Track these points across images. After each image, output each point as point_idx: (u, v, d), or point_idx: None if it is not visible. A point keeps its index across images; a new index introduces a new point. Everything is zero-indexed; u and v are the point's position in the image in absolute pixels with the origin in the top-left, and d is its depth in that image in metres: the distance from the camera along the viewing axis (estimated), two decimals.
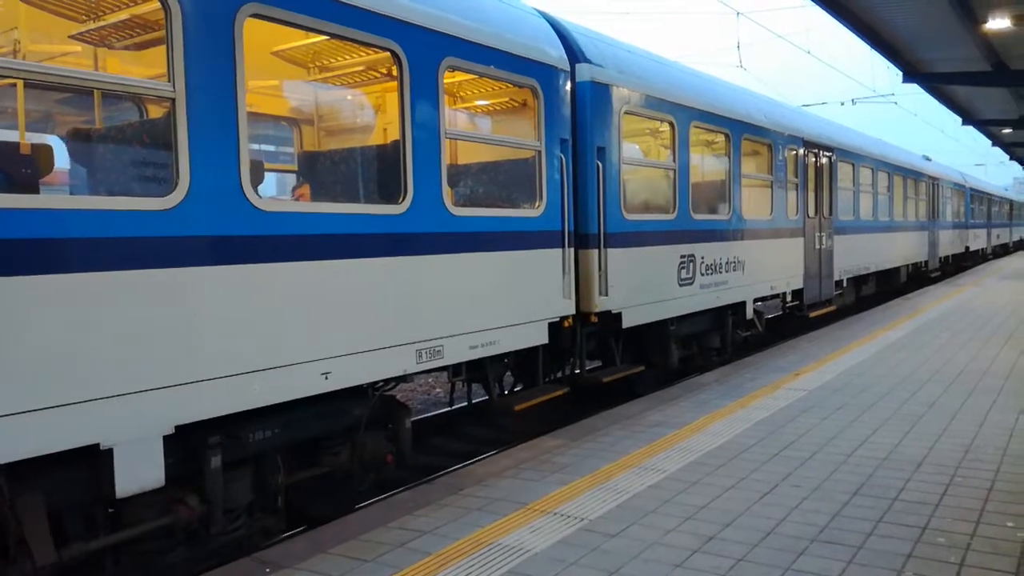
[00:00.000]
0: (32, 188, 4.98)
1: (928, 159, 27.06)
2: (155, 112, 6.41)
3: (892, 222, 19.60)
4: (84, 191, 4.82)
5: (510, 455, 6.21)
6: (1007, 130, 34.55)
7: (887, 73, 26.39)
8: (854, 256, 16.31)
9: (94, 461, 3.98)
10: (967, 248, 32.25)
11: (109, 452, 3.96)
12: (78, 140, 5.24)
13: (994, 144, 44.59)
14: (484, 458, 7.34)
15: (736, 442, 6.40)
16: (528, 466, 5.86)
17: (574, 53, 7.84)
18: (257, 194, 4.69)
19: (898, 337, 12.12)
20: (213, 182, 4.42)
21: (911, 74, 22.14)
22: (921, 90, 25.47)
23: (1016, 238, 54.18)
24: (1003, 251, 46.24)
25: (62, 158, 4.93)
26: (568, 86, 7.59)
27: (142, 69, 5.59)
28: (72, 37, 5.24)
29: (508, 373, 7.90)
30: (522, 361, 7.53)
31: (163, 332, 4.18)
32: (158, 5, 4.25)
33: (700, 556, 4.16)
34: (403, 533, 4.60)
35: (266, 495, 5.14)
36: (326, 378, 5.12)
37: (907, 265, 21.47)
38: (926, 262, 23.80)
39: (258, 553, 4.44)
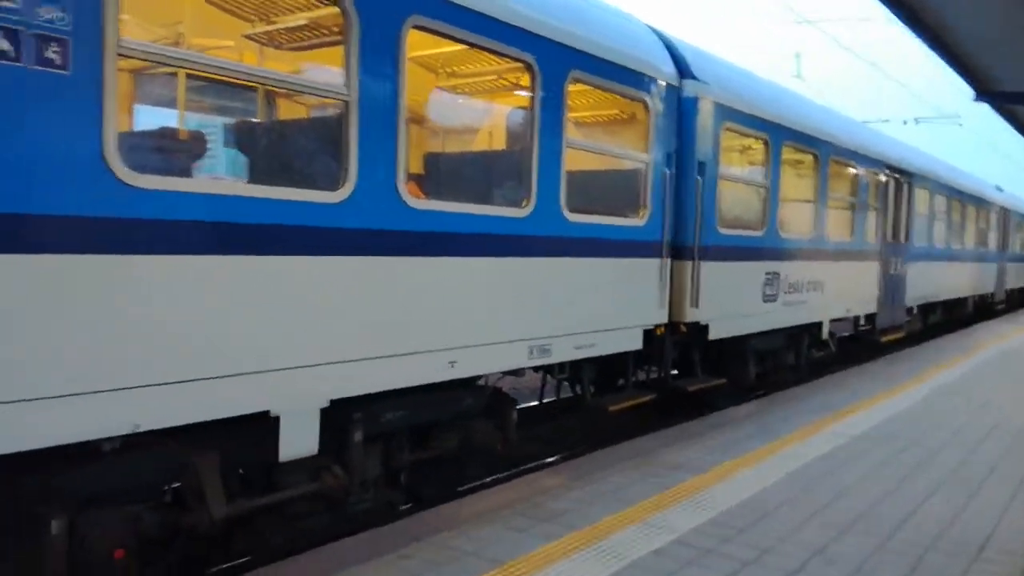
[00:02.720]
0: (187, 172, 5.41)
1: (1000, 189, 26.65)
2: (288, 110, 6.83)
3: (963, 251, 19.43)
4: (262, 181, 5.20)
5: (501, 492, 5.52)
6: None
7: (953, 93, 25.43)
8: (926, 284, 16.24)
9: (261, 428, 4.36)
10: None
11: (276, 420, 4.35)
12: (254, 132, 5.67)
13: None
14: (476, 487, 6.77)
15: (763, 498, 5.50)
16: (518, 510, 5.04)
17: (681, 69, 8.09)
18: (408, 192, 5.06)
19: (953, 379, 11.13)
20: (376, 179, 4.79)
21: (983, 92, 20.59)
22: (987, 114, 24.28)
23: None
24: None
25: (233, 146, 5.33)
26: (675, 101, 7.85)
27: (294, 68, 6.01)
28: (245, 36, 5.67)
29: None
30: (602, 364, 7.76)
31: (327, 314, 4.57)
32: (338, 11, 4.63)
33: None
34: None
35: (390, 471, 5.51)
36: (452, 366, 5.47)
37: (975, 295, 21.23)
38: (993, 293, 23.48)
39: None
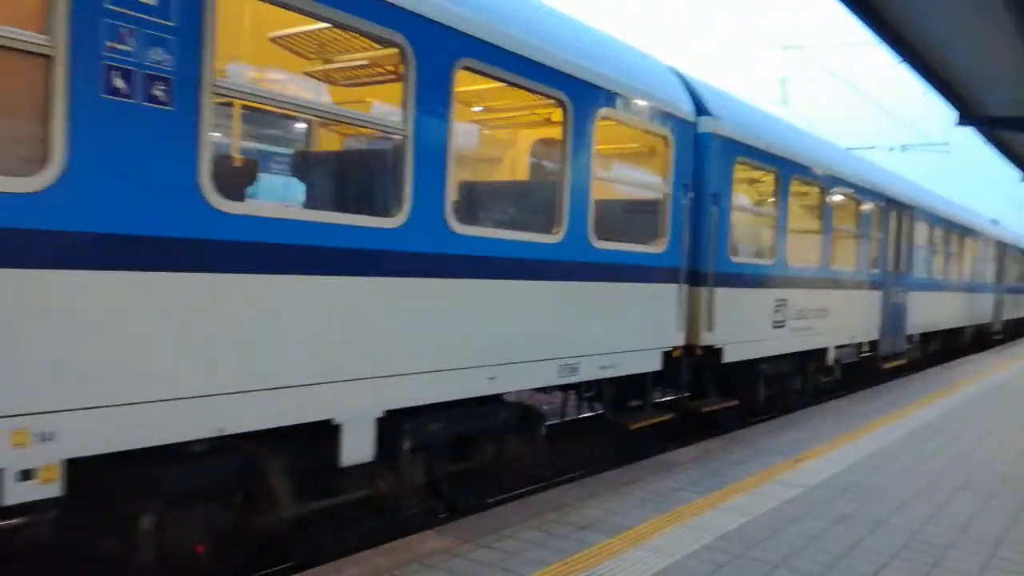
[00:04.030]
0: (239, 197, 5.80)
1: (996, 222, 27.22)
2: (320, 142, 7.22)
3: (961, 282, 19.89)
4: (323, 207, 5.58)
5: (372, 558, 4.56)
6: None
7: (940, 120, 24.57)
8: (925, 313, 16.67)
9: (322, 435, 4.70)
10: None
11: (337, 428, 4.70)
12: (324, 163, 6.07)
13: None
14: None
15: (680, 569, 4.61)
16: None
17: (698, 106, 8.54)
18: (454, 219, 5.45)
19: (932, 418, 10.30)
20: (427, 207, 5.19)
21: (967, 116, 19.64)
22: (976, 141, 22.71)
23: None
24: None
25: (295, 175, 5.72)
26: (692, 136, 8.29)
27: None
28: (306, 73, 6.09)
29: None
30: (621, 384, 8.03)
31: (384, 330, 4.94)
32: (397, 52, 5.05)
33: None
34: None
35: (432, 481, 5.84)
36: (491, 382, 5.83)
37: (973, 325, 21.67)
38: (991, 323, 23.93)
39: None
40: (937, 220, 17.41)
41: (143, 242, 3.76)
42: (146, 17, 3.70)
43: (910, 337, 15.80)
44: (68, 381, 3.52)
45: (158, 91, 3.78)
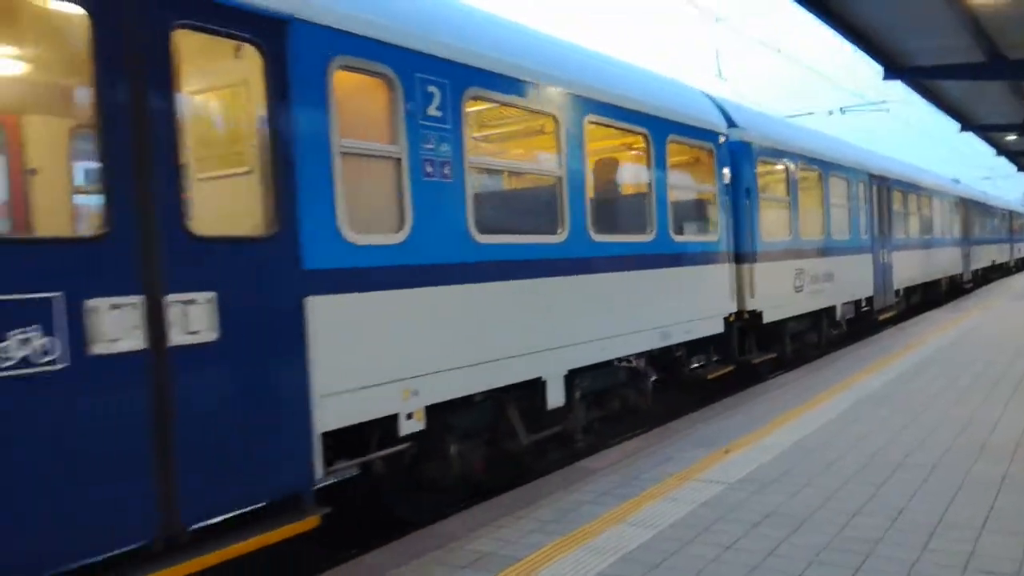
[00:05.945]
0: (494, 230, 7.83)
1: (957, 181, 29.91)
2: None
3: (934, 239, 22.44)
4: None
5: None
6: (1011, 136, 30.21)
7: (874, 78, 23.07)
8: (908, 270, 19.13)
9: (534, 390, 6.83)
10: (993, 261, 35.02)
11: (543, 383, 6.83)
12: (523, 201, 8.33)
13: (999, 153, 38.97)
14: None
15: None
16: None
17: (728, 120, 10.75)
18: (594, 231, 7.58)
19: (879, 385, 9.78)
20: (577, 225, 7.32)
21: (893, 69, 18.95)
22: (916, 98, 22.10)
23: None
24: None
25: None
26: (726, 145, 10.49)
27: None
28: (475, 138, 8.20)
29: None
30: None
31: (563, 312, 7.07)
32: (550, 119, 7.18)
33: None
34: None
35: (587, 424, 7.99)
36: (624, 346, 8.00)
37: (947, 277, 24.26)
38: (962, 274, 26.59)
39: None
40: (909, 187, 19.86)
41: (445, 267, 5.86)
42: (436, 124, 5.80)
43: (897, 292, 18.22)
44: (423, 356, 5.62)
45: (446, 170, 5.87)
